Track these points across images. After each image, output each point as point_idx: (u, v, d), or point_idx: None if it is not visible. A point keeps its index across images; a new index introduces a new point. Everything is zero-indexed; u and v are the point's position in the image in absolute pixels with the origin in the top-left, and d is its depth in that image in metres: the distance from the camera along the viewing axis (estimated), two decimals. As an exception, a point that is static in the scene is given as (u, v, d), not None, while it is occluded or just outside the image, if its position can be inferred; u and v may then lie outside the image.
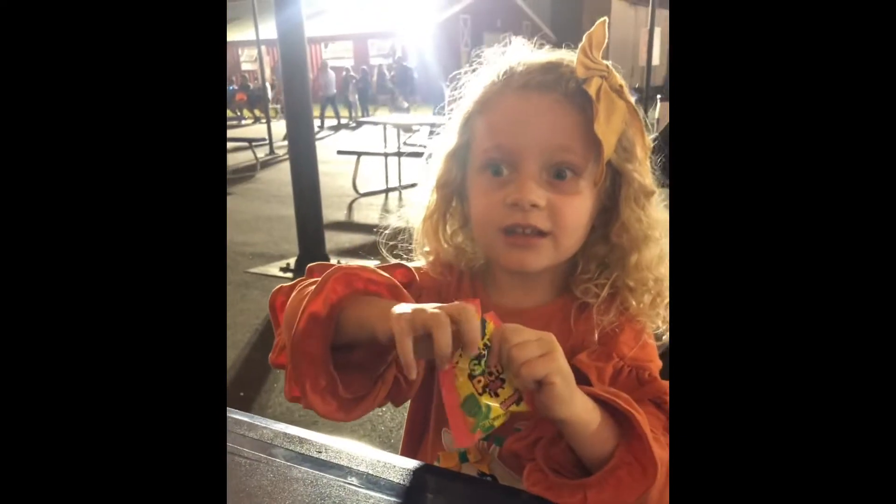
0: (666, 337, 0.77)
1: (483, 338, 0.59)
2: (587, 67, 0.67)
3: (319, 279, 0.68)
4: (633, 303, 0.74)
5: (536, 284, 0.77)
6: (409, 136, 7.45)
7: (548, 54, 0.74)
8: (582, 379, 0.69)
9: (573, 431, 0.62)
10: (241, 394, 2.65)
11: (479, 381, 0.59)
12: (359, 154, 6.68)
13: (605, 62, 0.69)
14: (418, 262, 0.84)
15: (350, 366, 0.69)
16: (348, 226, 5.53)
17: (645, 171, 0.73)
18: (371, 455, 0.69)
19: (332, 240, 4.59)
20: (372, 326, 0.64)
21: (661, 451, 0.61)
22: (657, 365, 0.73)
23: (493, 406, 0.59)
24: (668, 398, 0.68)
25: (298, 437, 0.76)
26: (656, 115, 4.50)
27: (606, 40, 0.69)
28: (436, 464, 0.79)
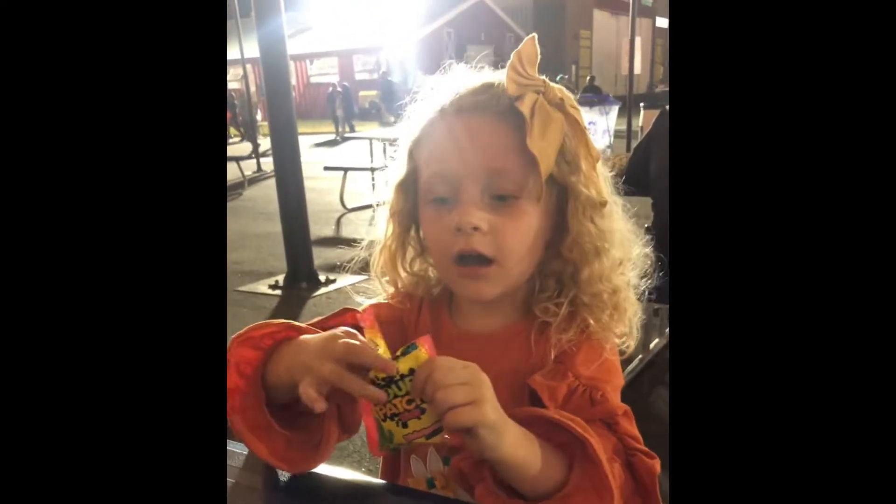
0: (629, 349, 0.76)
1: (405, 359, 0.56)
2: (518, 84, 0.67)
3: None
4: (591, 319, 0.73)
5: (497, 308, 0.76)
6: (396, 150, 7.45)
7: (483, 75, 0.73)
8: (536, 399, 0.69)
9: (507, 471, 0.60)
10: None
11: (387, 408, 0.56)
12: (345, 169, 6.69)
13: (540, 77, 0.68)
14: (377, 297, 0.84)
15: (298, 417, 0.70)
16: (336, 241, 5.51)
17: (592, 182, 0.72)
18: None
19: (321, 255, 4.58)
20: (290, 377, 0.64)
21: (615, 477, 0.60)
22: (617, 384, 0.72)
23: (396, 432, 0.57)
24: (619, 419, 0.67)
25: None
26: (639, 123, 4.54)
27: (539, 56, 0.68)
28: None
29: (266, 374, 0.68)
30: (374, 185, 6.73)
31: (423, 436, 0.56)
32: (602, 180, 0.74)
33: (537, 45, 0.68)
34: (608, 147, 5.44)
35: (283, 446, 0.68)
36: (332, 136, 16.04)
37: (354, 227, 6.04)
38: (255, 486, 0.69)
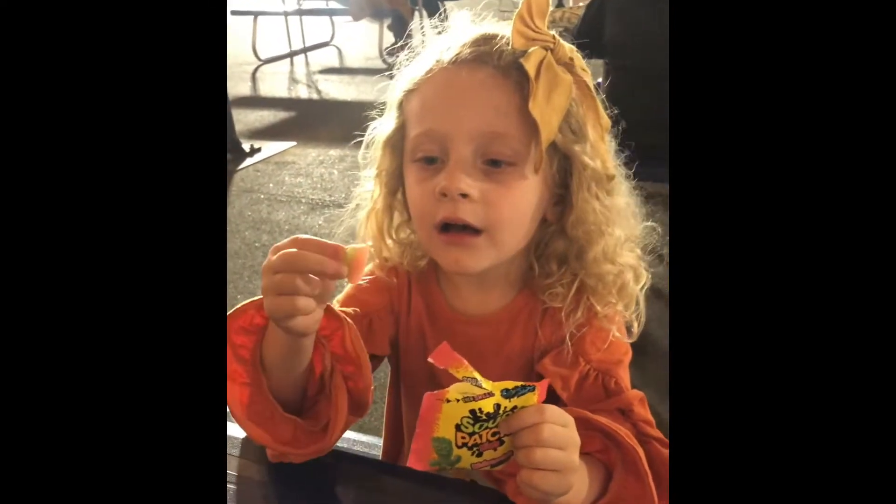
0: (635, 329, 0.72)
1: (518, 399, 0.51)
2: (526, 38, 0.59)
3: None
4: (599, 299, 0.68)
5: (491, 286, 0.71)
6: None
7: (487, 26, 0.65)
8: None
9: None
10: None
11: (472, 438, 0.52)
12: (256, 14, 6.03)
13: (550, 32, 0.60)
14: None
15: (303, 401, 0.66)
16: (256, 101, 5.11)
17: (599, 154, 0.65)
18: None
19: (240, 119, 4.24)
20: (286, 349, 0.60)
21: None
22: (625, 362, 0.70)
23: (465, 459, 0.53)
24: (634, 406, 0.66)
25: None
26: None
27: (551, 7, 0.61)
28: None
29: (263, 355, 0.63)
30: (288, 31, 6.16)
31: (490, 465, 0.54)
32: (610, 151, 0.68)
33: None
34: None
35: (290, 433, 0.63)
36: None
37: (273, 83, 5.57)
38: (252, 475, 0.66)
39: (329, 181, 3.42)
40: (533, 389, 0.51)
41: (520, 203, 0.63)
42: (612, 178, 0.66)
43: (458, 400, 0.50)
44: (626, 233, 0.69)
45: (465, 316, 0.72)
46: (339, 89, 5.25)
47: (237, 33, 6.30)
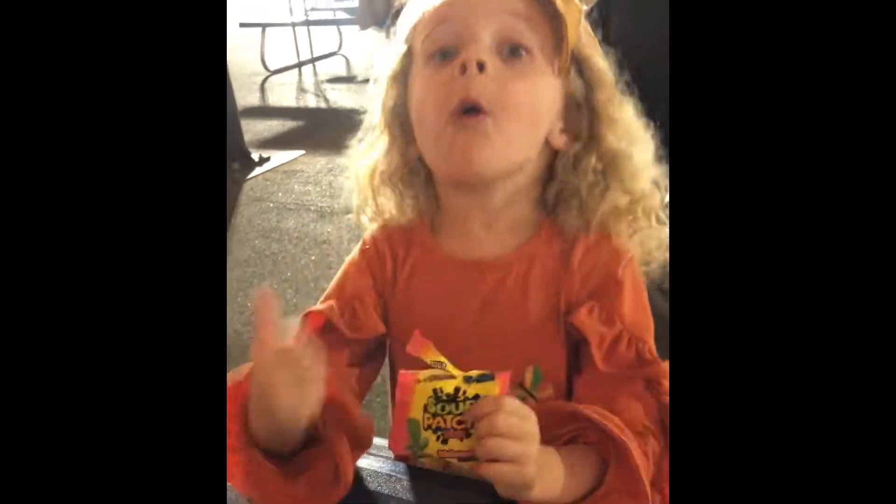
0: (653, 268, 0.69)
1: (477, 386, 0.52)
2: None
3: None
4: (629, 226, 0.65)
5: (499, 217, 0.67)
6: (316, 0, 6.82)
7: None
8: (571, 340, 0.64)
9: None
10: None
11: (436, 419, 0.53)
12: (264, 25, 6.07)
13: None
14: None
15: (302, 456, 0.60)
16: (265, 111, 5.14)
17: (606, 70, 0.65)
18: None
19: (249, 129, 4.26)
20: (270, 410, 0.54)
21: (650, 472, 0.57)
22: (652, 331, 0.66)
23: (431, 444, 0.54)
24: (665, 381, 0.62)
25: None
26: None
27: None
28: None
29: (250, 426, 0.57)
30: (296, 42, 6.21)
31: (456, 457, 0.54)
32: None
33: None
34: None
35: (305, 491, 0.58)
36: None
37: (281, 93, 5.61)
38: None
39: (338, 189, 3.38)
40: (492, 378, 0.52)
41: (535, 93, 0.62)
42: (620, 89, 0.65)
43: (426, 379, 0.53)
44: (646, 156, 0.66)
45: (471, 261, 0.67)
46: (346, 98, 5.27)
47: (246, 44, 6.36)
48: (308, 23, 6.21)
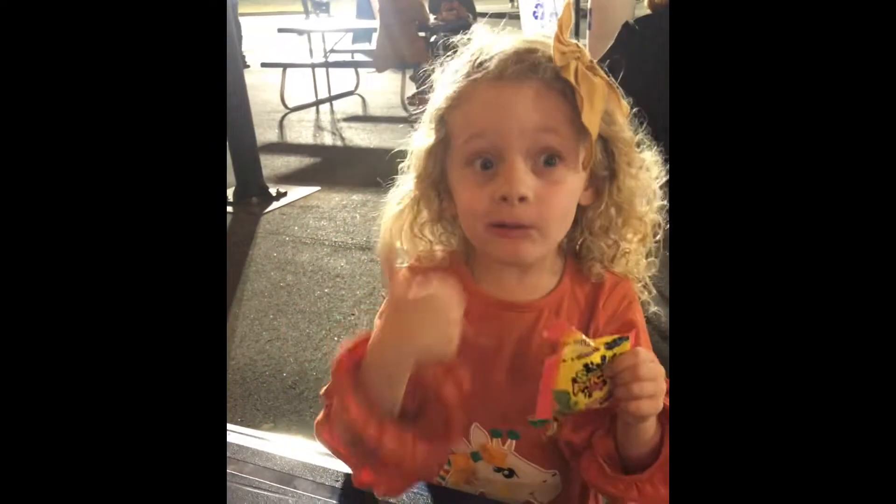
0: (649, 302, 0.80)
1: (617, 348, 0.64)
2: (562, 53, 0.66)
3: (332, 385, 0.67)
4: (632, 259, 0.77)
5: (533, 271, 0.77)
6: (335, 43, 7.06)
7: (517, 41, 0.71)
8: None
9: (636, 432, 0.67)
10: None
11: (585, 383, 0.64)
12: (284, 66, 6.31)
13: (573, 41, 0.67)
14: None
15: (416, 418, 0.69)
16: (283, 147, 5.31)
17: (625, 128, 0.74)
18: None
19: (267, 164, 4.41)
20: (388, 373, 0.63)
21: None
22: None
23: (581, 402, 0.64)
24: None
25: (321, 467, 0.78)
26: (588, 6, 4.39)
27: (573, 20, 0.68)
28: (446, 467, 0.82)
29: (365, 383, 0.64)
30: (315, 81, 6.42)
31: (598, 402, 0.65)
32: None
33: (572, 11, 0.68)
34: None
35: (423, 445, 0.65)
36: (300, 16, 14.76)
37: (299, 130, 5.80)
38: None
39: (352, 225, 3.54)
40: (627, 339, 0.64)
41: (567, 197, 0.70)
42: (634, 141, 0.74)
43: (572, 359, 0.63)
44: (647, 185, 0.76)
45: (507, 302, 0.76)
46: (362, 137, 5.43)
47: (267, 83, 6.59)
48: (327, 64, 6.43)
